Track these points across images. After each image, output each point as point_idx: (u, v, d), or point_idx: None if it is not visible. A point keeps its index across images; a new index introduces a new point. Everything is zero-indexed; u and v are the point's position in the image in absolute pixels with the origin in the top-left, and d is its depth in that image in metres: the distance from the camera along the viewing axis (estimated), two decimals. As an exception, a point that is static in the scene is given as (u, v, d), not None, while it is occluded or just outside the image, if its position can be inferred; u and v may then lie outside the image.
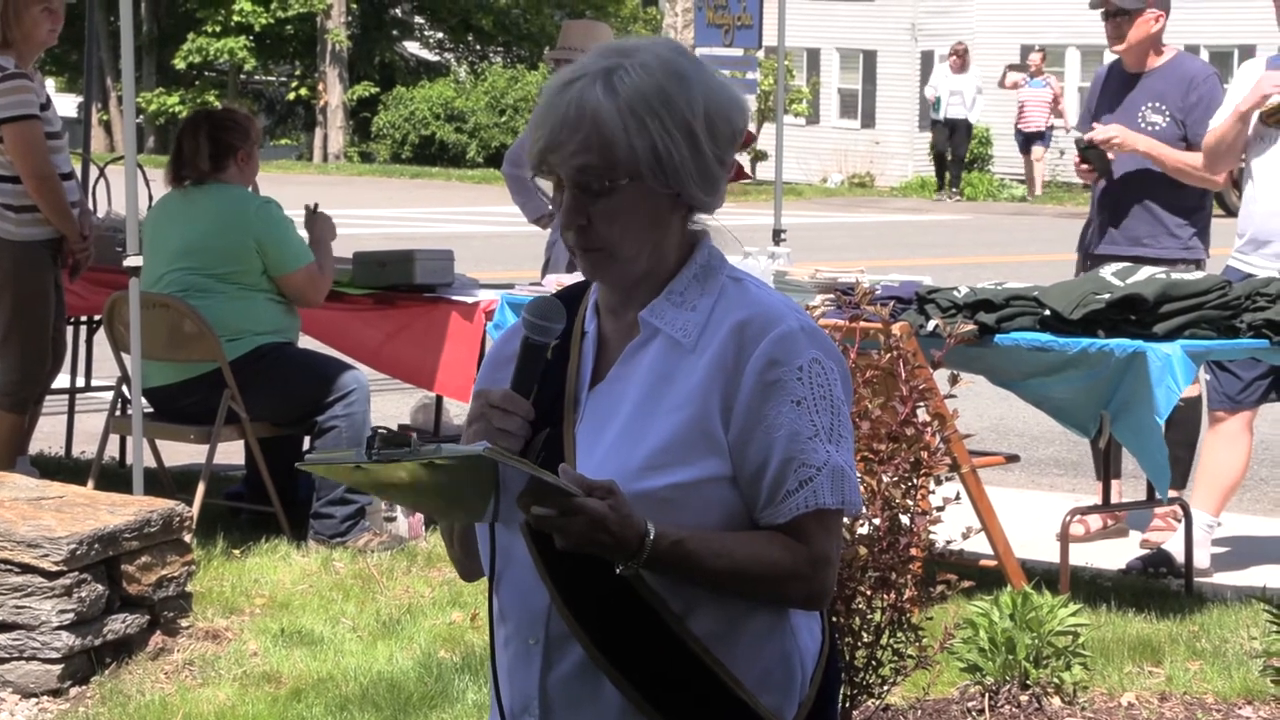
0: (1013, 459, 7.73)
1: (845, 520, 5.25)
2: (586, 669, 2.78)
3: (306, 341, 8.35)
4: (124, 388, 7.96)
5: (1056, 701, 5.77)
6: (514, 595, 2.82)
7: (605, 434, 2.80)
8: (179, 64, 40.79)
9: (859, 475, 5.31)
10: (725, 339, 2.78)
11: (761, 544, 2.75)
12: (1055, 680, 5.79)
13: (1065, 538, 7.04)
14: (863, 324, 5.73)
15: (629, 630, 2.76)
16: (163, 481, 8.08)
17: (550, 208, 2.87)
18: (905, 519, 5.34)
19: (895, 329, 6.12)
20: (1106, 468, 7.43)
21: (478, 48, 44.75)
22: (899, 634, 5.30)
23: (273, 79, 45.12)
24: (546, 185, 2.84)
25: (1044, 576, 6.80)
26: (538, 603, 2.80)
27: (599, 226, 2.77)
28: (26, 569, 5.94)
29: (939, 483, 5.51)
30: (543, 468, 2.69)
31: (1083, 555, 7.56)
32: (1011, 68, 32.74)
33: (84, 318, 9.44)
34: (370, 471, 2.65)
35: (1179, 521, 7.63)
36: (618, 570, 2.69)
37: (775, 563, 2.75)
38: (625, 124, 2.73)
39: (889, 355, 5.54)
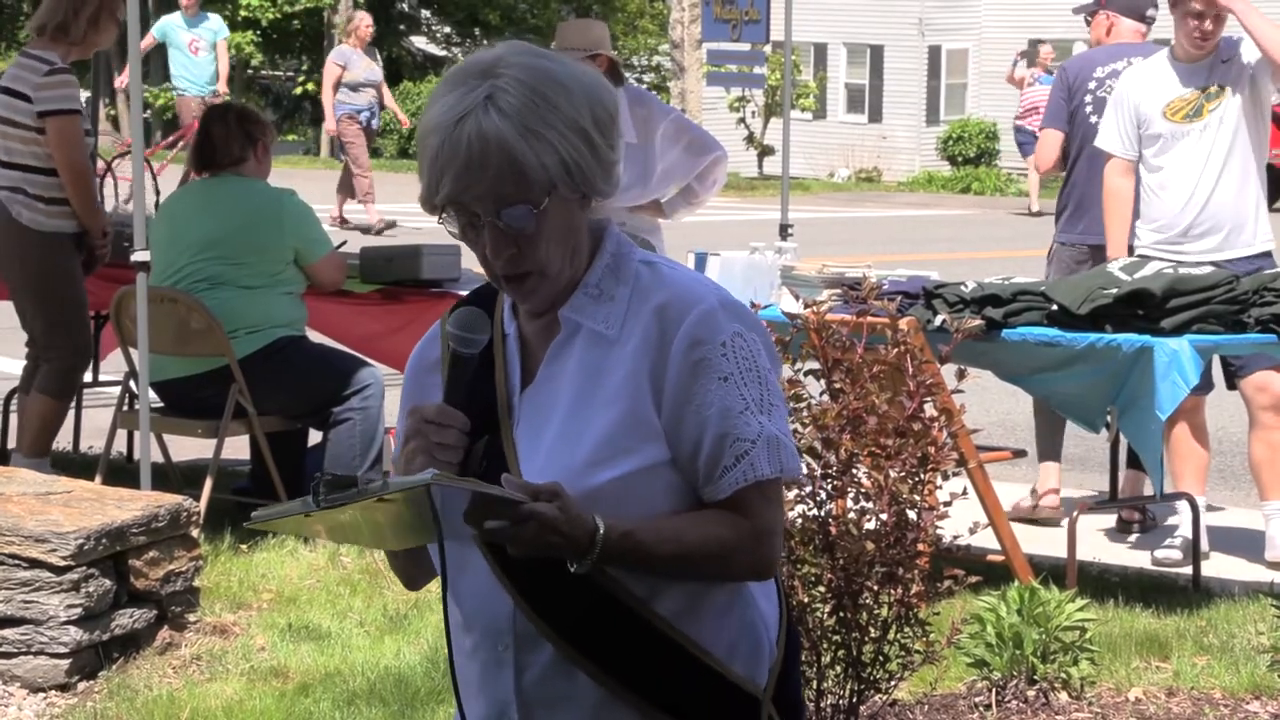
0: (1020, 454, 7.73)
1: (852, 515, 5.29)
2: (560, 666, 2.80)
3: (310, 335, 8.36)
4: (131, 382, 7.97)
5: (1064, 696, 5.77)
6: (475, 603, 2.83)
7: (544, 435, 2.82)
8: (185, 58, 40.76)
9: (865, 470, 5.35)
10: (648, 324, 2.80)
11: (708, 523, 2.78)
12: (1062, 675, 5.79)
13: (1072, 532, 7.03)
14: (870, 319, 5.73)
15: (596, 620, 2.79)
16: (170, 476, 8.09)
17: None
18: (912, 514, 5.34)
19: (902, 324, 6.11)
20: (1113, 464, 7.43)
21: (484, 42, 44.71)
22: (906, 629, 5.30)
23: (279, 74, 45.09)
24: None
25: (1051, 571, 6.79)
26: (500, 608, 2.81)
27: (526, 251, 2.77)
28: (34, 564, 5.95)
29: (946, 478, 5.50)
30: (485, 476, 2.70)
31: (1090, 550, 7.56)
32: (1023, 55, 31.93)
33: (92, 313, 9.44)
34: (319, 518, 2.66)
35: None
36: (572, 569, 2.71)
37: (722, 540, 2.78)
38: (530, 144, 2.71)
39: (896, 350, 5.54)
